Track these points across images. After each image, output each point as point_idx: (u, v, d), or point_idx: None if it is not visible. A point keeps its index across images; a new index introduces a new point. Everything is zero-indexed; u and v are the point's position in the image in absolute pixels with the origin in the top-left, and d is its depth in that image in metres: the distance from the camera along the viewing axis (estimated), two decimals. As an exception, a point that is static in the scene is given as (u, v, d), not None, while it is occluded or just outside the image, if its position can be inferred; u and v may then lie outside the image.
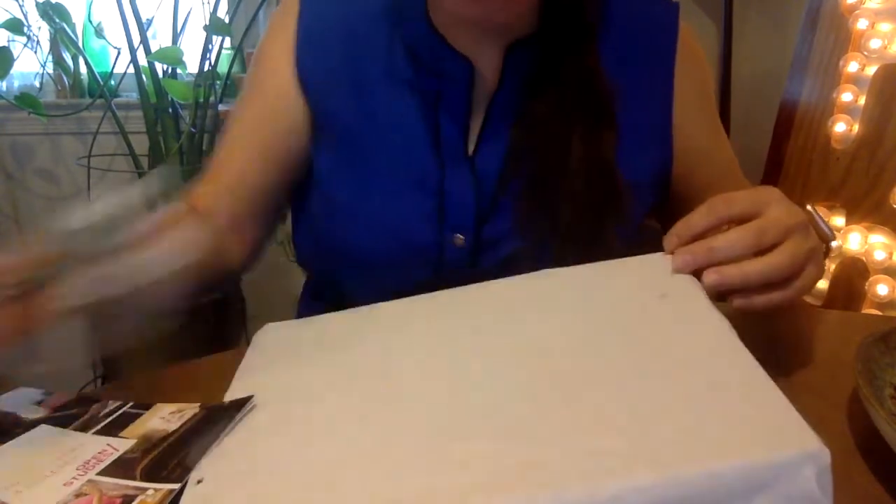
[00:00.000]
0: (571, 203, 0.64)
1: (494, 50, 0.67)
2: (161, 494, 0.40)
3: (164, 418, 0.48)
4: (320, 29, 0.71)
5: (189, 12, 1.64)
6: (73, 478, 0.42)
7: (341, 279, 0.73)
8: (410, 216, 0.68)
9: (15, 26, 1.59)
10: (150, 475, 0.42)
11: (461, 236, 0.67)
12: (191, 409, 0.49)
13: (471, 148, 0.68)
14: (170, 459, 0.43)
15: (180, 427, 0.47)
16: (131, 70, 1.60)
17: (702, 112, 0.74)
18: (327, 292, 0.79)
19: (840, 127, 1.38)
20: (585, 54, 0.66)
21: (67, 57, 1.76)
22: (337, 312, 0.59)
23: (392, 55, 0.69)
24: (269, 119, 0.72)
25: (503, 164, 0.67)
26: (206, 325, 1.55)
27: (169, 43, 1.64)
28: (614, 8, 0.70)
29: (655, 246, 0.53)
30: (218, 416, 0.47)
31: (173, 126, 1.64)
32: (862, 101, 1.36)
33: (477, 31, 0.66)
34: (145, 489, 0.41)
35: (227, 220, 0.71)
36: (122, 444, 0.46)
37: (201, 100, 1.60)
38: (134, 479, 0.42)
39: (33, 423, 0.50)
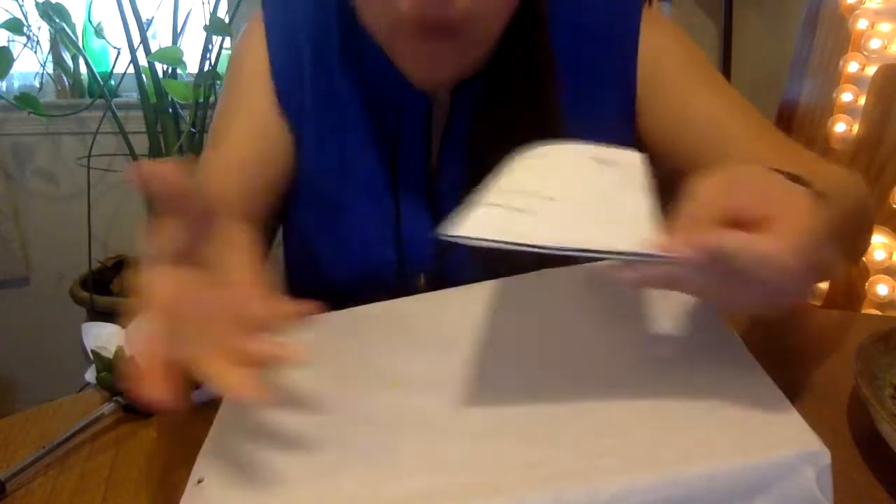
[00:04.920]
0: None
1: (445, 88, 0.67)
2: None
3: None
4: (291, 60, 0.71)
5: (189, 12, 1.64)
6: None
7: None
8: (372, 258, 0.69)
9: (15, 26, 1.59)
10: None
11: (423, 275, 0.69)
12: None
13: (431, 179, 0.69)
14: None
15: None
16: (131, 70, 1.60)
17: (684, 83, 0.69)
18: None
19: (840, 127, 1.38)
20: (535, 84, 0.66)
21: (67, 57, 1.76)
22: (336, 312, 0.59)
23: (352, 92, 0.69)
24: (258, 148, 0.71)
25: (459, 199, 0.67)
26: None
27: (169, 43, 1.64)
28: (570, 30, 0.68)
29: None
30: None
31: (173, 126, 1.64)
32: (862, 101, 1.36)
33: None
34: None
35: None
36: None
37: (201, 100, 1.60)
38: None
39: None
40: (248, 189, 0.69)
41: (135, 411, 0.54)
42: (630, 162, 0.45)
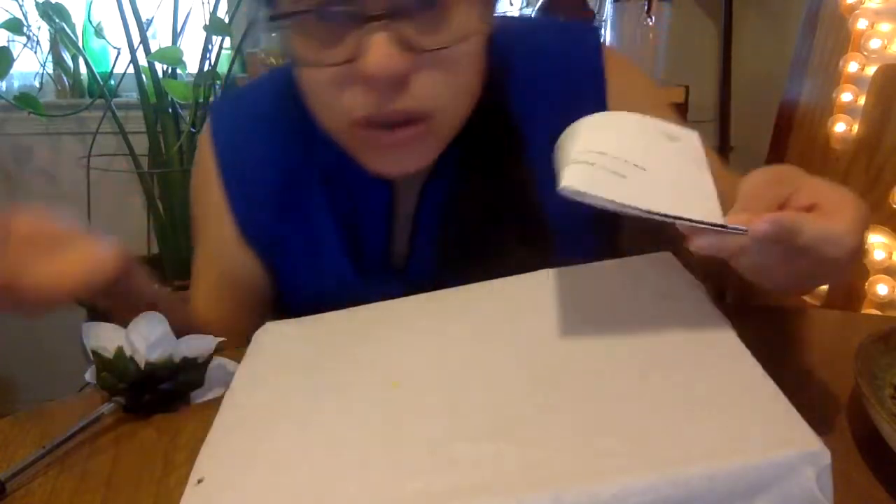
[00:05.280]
0: None
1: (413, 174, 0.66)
2: None
3: None
4: (246, 175, 0.70)
5: (189, 12, 1.64)
6: None
7: None
8: None
9: (15, 26, 1.59)
10: None
11: None
12: None
13: (400, 258, 0.69)
14: None
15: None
16: (131, 70, 1.60)
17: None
18: None
19: (840, 127, 1.38)
20: (508, 154, 0.66)
21: (67, 57, 1.76)
22: (337, 311, 0.59)
23: (309, 184, 0.69)
24: (229, 275, 0.73)
25: (436, 270, 0.66)
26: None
27: (169, 43, 1.64)
28: (535, 83, 0.68)
29: None
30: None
31: (173, 126, 1.64)
32: (862, 101, 1.36)
33: None
34: None
35: (217, 323, 0.70)
36: None
37: (201, 100, 1.60)
38: None
39: None
40: (229, 308, 0.72)
41: (135, 411, 0.54)
42: (690, 139, 0.49)
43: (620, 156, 0.44)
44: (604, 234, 0.71)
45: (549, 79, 0.68)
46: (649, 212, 0.41)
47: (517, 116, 0.67)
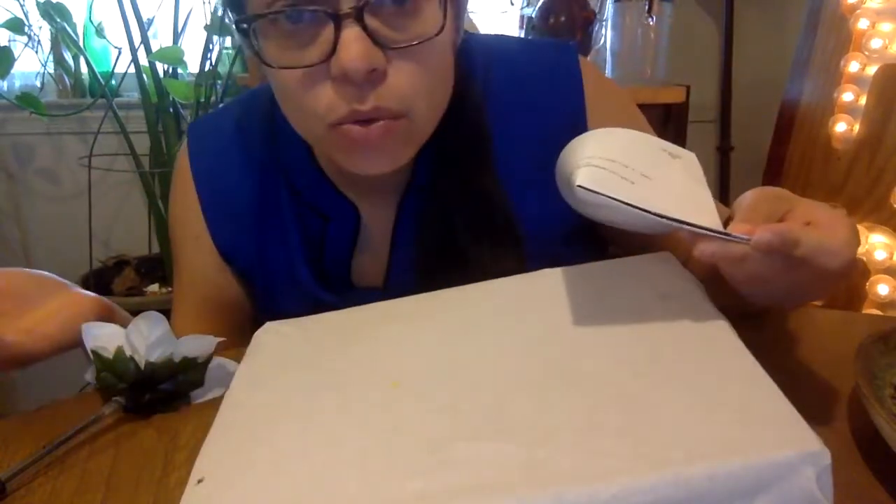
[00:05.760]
0: None
1: (388, 190, 0.67)
2: None
3: None
4: (223, 196, 0.71)
5: (190, 12, 1.64)
6: None
7: None
8: None
9: (16, 26, 1.59)
10: None
11: None
12: None
13: (380, 279, 0.70)
14: None
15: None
16: (132, 70, 1.60)
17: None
18: None
19: (841, 127, 1.38)
20: (481, 166, 0.66)
21: (68, 57, 1.76)
22: (337, 311, 0.59)
23: (283, 203, 0.69)
24: (211, 298, 0.74)
25: (415, 287, 0.65)
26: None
27: (170, 43, 1.64)
28: (513, 105, 0.68)
29: None
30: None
31: (174, 126, 1.64)
32: (863, 101, 1.36)
33: (367, 182, 0.63)
34: None
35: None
36: None
37: (202, 99, 1.60)
38: None
39: None
40: (211, 330, 0.69)
41: (135, 411, 0.54)
42: (690, 158, 0.51)
43: (629, 164, 0.45)
44: (582, 249, 0.70)
45: (525, 93, 0.68)
46: (658, 214, 0.42)
47: (491, 129, 0.67)
